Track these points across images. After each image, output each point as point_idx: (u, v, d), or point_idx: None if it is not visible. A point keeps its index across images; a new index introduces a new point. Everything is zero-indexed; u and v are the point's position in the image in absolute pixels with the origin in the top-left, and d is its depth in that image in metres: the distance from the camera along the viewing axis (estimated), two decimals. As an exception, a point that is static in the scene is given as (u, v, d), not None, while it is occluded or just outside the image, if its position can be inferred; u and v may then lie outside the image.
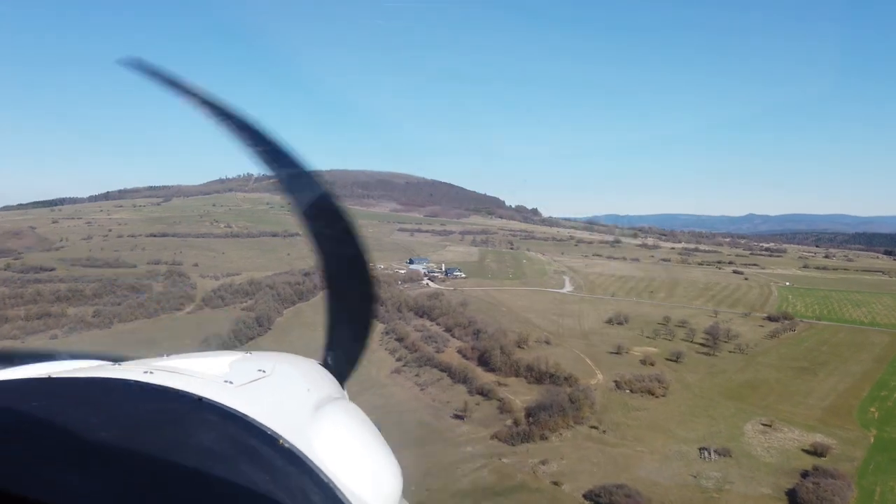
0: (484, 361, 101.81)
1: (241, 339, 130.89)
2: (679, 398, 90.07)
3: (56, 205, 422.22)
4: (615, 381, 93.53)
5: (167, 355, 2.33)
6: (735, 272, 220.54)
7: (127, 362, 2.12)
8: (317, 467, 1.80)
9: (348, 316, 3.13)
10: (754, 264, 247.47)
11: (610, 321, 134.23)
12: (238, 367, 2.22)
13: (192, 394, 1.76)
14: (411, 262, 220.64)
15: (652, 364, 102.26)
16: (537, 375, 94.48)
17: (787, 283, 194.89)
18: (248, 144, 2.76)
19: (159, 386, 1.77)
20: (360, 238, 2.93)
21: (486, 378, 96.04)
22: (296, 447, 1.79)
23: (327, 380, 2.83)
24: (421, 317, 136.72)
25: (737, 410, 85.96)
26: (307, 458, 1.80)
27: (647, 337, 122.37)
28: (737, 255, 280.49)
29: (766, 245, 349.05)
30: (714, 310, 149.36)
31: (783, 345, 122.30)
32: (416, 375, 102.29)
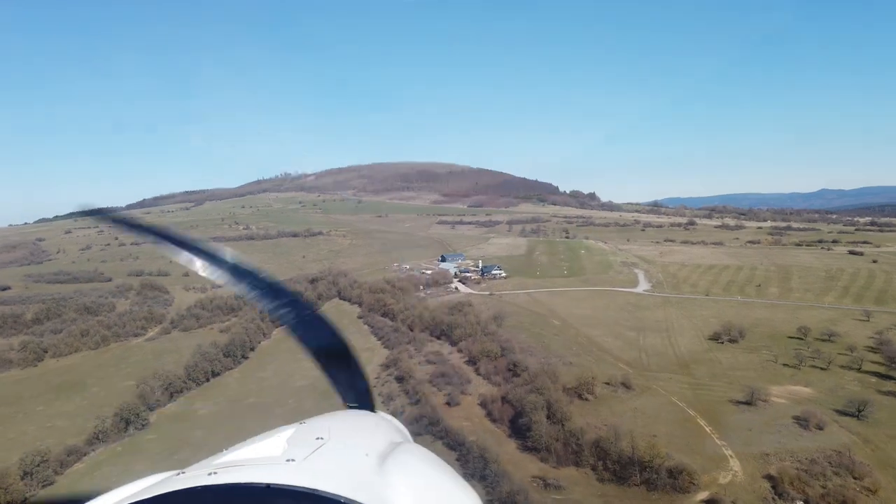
0: (520, 430, 60.86)
1: (196, 379, 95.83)
2: (910, 518, 46.12)
3: (87, 215, 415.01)
4: (770, 478, 49.78)
5: (225, 450, 2.31)
6: (852, 253, 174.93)
7: (189, 469, 2.08)
8: None
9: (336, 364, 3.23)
10: (865, 242, 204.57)
11: (717, 337, 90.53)
12: (295, 442, 2.18)
13: (259, 484, 1.74)
14: (443, 259, 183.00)
15: (819, 428, 57.94)
16: (614, 465, 52.72)
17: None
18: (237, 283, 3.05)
19: (226, 484, 1.76)
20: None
21: (523, 467, 55.24)
22: None
23: (385, 426, 2.86)
24: (438, 338, 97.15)
25: None
26: None
27: (785, 364, 78.01)
28: (839, 233, 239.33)
29: (861, 219, 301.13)
30: (864, 310, 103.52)
31: None
32: (411, 452, 61.61)
